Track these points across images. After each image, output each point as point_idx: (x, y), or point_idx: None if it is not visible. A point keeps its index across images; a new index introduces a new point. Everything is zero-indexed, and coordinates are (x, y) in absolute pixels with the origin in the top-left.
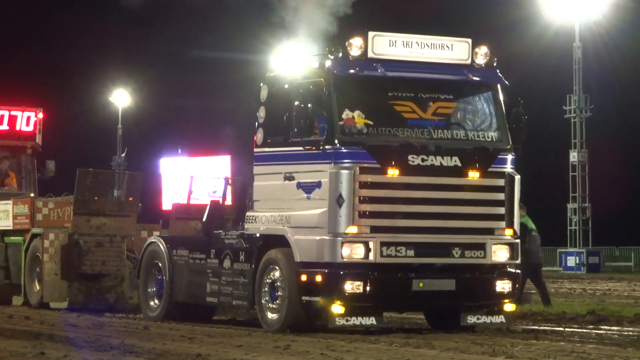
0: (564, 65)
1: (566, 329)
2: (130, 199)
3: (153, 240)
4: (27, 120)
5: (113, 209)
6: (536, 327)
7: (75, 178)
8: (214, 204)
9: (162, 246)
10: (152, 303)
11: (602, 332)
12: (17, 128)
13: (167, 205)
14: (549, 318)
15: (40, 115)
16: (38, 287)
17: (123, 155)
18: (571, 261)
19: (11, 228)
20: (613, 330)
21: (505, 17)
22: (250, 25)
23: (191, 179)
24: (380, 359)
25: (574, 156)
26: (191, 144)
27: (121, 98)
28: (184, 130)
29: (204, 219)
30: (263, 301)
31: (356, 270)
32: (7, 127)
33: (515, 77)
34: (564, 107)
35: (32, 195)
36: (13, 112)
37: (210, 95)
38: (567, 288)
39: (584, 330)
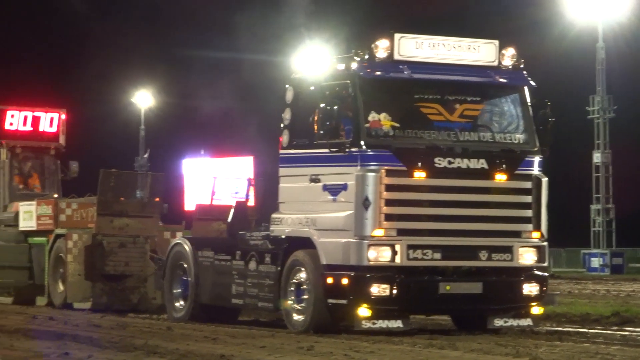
0: (587, 66)
1: (590, 331)
2: (157, 199)
3: (178, 241)
4: (51, 121)
5: (136, 210)
6: (560, 329)
7: (98, 179)
8: (239, 205)
9: (187, 247)
10: (177, 304)
11: (626, 333)
12: (41, 129)
13: (189, 206)
14: (572, 319)
15: (64, 116)
16: (62, 288)
17: (146, 156)
18: (595, 262)
19: (35, 229)
20: (637, 331)
21: (528, 17)
22: (271, 26)
23: (214, 180)
24: None
25: (597, 157)
26: (214, 145)
27: (144, 99)
28: (207, 131)
29: (229, 220)
30: (288, 303)
31: (382, 273)
32: (31, 128)
33: (538, 78)
34: (587, 108)
35: (55, 196)
36: (36, 113)
37: (232, 96)
38: (591, 289)
39: (608, 332)
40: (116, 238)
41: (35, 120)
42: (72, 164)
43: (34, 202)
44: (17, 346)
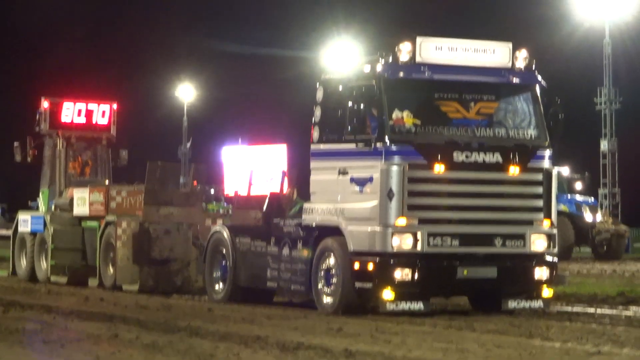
0: (595, 60)
1: (597, 311)
2: (211, 186)
3: (218, 228)
4: (103, 113)
5: (180, 199)
6: (569, 309)
7: (145, 168)
8: (273, 195)
9: (226, 234)
10: (216, 286)
11: (630, 313)
12: (94, 120)
13: (228, 190)
14: (581, 299)
15: (115, 108)
16: (112, 271)
17: (188, 145)
18: None
19: (87, 214)
20: None
21: (539, 16)
22: (304, 22)
23: (251, 173)
24: (425, 340)
25: (604, 145)
26: (250, 134)
27: (186, 92)
28: (244, 120)
29: (264, 209)
30: (319, 286)
31: (405, 259)
32: (84, 120)
33: (549, 72)
34: (594, 99)
35: (107, 182)
36: (90, 106)
37: (267, 88)
38: (598, 269)
39: (614, 312)
40: (162, 225)
41: (89, 112)
42: (122, 152)
43: (86, 189)
44: (71, 327)
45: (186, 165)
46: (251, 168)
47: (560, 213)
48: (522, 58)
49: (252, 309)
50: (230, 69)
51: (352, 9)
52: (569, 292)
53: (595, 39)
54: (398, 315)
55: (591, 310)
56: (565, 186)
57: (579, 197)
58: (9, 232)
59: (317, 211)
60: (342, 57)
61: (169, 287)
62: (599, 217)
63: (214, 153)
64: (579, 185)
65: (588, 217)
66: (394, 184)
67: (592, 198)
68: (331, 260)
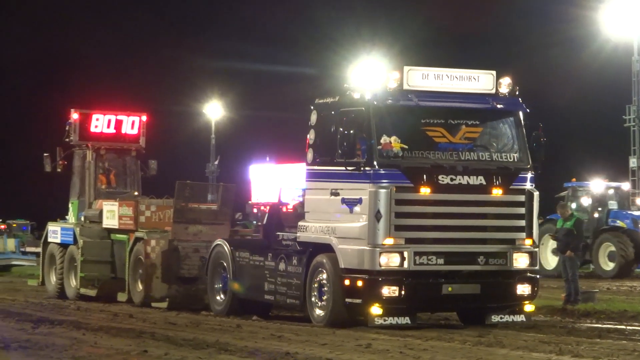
0: (624, 77)
1: (628, 327)
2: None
3: (219, 242)
4: (132, 124)
5: (209, 218)
6: (600, 325)
7: (173, 183)
8: (274, 208)
9: (226, 248)
10: (218, 298)
11: None
12: (123, 131)
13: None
14: (611, 316)
15: (144, 119)
16: (141, 287)
17: (216, 162)
18: None
19: (117, 227)
20: None
21: (567, 32)
22: (331, 41)
23: (280, 190)
24: (454, 357)
25: (633, 162)
26: (278, 152)
27: (214, 110)
28: (272, 139)
29: (264, 222)
30: (312, 300)
31: (392, 276)
32: (114, 131)
33: (576, 89)
34: (623, 116)
35: (135, 193)
36: (119, 117)
37: (295, 107)
38: (628, 286)
39: None
40: (190, 244)
41: (118, 123)
42: (152, 162)
43: (116, 203)
44: (100, 343)
45: (214, 183)
46: (280, 185)
47: (617, 229)
48: (505, 85)
49: (280, 325)
50: (258, 87)
51: (379, 27)
52: (599, 309)
53: (623, 55)
54: (426, 330)
55: (621, 327)
56: (627, 202)
57: (636, 213)
58: (39, 249)
59: (311, 229)
60: (368, 75)
61: (197, 305)
62: None
63: (242, 171)
64: None
65: None
66: (382, 206)
67: None
68: (323, 276)
